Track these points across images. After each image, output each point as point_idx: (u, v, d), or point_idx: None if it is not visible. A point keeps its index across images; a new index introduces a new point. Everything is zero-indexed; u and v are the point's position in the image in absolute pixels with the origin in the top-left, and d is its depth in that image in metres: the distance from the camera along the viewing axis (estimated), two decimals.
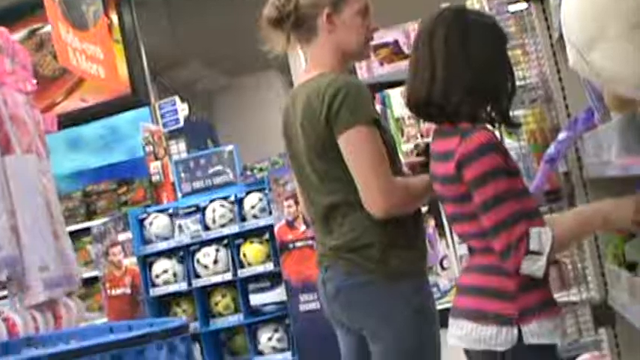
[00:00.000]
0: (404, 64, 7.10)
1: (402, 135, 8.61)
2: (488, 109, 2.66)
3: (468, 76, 2.58)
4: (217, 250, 7.20)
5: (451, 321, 2.68)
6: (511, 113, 2.75)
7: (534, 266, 2.46)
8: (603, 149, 2.81)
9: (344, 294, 3.05)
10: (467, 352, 2.69)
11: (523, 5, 3.90)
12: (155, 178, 8.32)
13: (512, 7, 4.08)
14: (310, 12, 3.12)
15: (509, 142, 4.07)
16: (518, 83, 3.30)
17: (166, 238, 7.38)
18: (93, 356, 2.71)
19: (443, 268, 9.25)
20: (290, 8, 3.12)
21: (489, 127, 2.66)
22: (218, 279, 7.20)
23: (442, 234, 9.11)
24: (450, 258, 9.17)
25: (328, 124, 2.96)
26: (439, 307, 3.12)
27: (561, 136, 3.36)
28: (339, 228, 3.06)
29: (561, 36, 2.67)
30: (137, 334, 2.91)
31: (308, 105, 3.02)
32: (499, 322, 2.52)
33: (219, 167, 7.59)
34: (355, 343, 3.16)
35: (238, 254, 7.13)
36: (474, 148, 2.49)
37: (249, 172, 7.37)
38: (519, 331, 2.51)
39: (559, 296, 3.95)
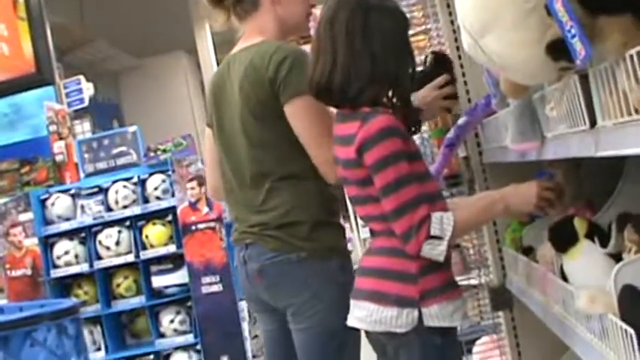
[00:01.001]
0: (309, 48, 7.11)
1: None
2: (390, 94, 2.66)
3: (369, 62, 2.56)
4: (120, 232, 7.10)
5: (352, 302, 2.68)
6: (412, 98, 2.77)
7: (435, 251, 2.48)
8: (501, 135, 2.86)
9: (269, 272, 2.99)
10: (367, 333, 2.70)
11: None
12: (59, 158, 8.19)
13: None
14: None
15: None
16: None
17: (68, 219, 7.25)
18: None
19: None
20: None
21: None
22: (120, 260, 7.09)
23: (346, 217, 9.15)
24: (353, 241, 9.22)
25: (272, 89, 2.91)
26: None
27: (461, 121, 3.40)
28: (265, 203, 3.00)
29: None
30: (25, 315, 2.86)
31: (251, 67, 2.96)
32: (400, 303, 2.53)
33: (122, 148, 7.49)
34: (277, 322, 3.10)
35: (141, 236, 7.05)
36: (375, 132, 2.49)
37: (152, 154, 7.29)
38: (420, 313, 2.52)
39: (460, 280, 4.01)
